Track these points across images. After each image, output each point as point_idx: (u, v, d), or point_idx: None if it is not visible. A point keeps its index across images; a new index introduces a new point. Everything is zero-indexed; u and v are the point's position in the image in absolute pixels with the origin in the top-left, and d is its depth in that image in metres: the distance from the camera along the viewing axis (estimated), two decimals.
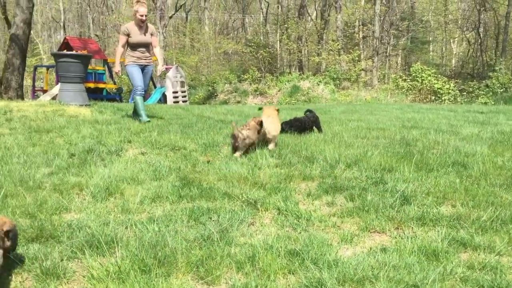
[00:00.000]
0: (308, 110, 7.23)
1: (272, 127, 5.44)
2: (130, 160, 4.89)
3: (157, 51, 7.70)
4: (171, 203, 3.59)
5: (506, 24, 28.24)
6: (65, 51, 15.47)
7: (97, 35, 40.07)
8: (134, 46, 7.43)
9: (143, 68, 7.56)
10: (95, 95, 19.27)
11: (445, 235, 2.91)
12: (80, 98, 8.84)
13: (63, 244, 2.75)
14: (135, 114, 7.73)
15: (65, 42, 20.49)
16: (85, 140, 5.80)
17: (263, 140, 5.46)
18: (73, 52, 12.09)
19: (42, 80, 23.44)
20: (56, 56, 9.18)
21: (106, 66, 21.52)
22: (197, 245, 2.76)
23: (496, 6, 31.85)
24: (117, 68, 7.57)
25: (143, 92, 7.55)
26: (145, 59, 7.57)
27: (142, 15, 7.34)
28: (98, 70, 20.65)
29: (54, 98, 13.57)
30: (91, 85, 19.31)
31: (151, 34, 7.58)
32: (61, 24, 40.96)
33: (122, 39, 7.43)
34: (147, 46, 7.55)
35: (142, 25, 7.43)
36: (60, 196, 3.66)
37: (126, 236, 2.91)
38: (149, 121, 7.43)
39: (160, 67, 7.81)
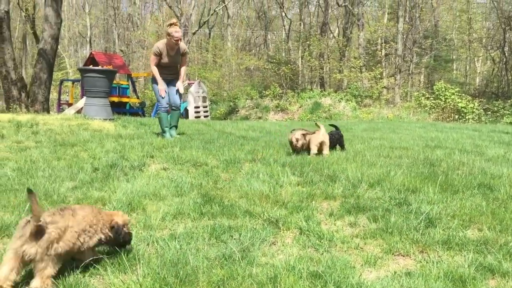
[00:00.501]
0: (333, 126, 7.18)
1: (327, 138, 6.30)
2: (153, 175, 4.93)
3: (183, 69, 7.69)
4: (192, 220, 3.59)
5: None
6: (91, 66, 15.81)
7: (122, 50, 40.84)
8: (163, 67, 7.44)
9: (168, 83, 7.59)
10: (118, 109, 19.56)
11: (472, 261, 2.83)
12: (104, 112, 8.98)
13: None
14: (164, 129, 7.71)
15: (90, 57, 20.92)
16: (109, 155, 5.87)
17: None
18: (99, 67, 12.32)
19: (67, 94, 23.92)
20: (82, 71, 9.38)
21: (130, 80, 21.86)
22: (218, 264, 2.75)
23: None
24: (162, 86, 7.43)
25: (167, 108, 7.59)
26: (171, 75, 7.58)
27: (177, 39, 7.26)
28: (122, 84, 20.98)
29: (78, 111, 13.82)
30: (115, 99, 19.61)
31: (182, 54, 7.55)
32: (87, 39, 41.92)
33: (155, 59, 7.39)
34: (176, 66, 7.57)
35: (175, 46, 7.39)
36: None
37: (148, 253, 2.91)
38: (173, 138, 7.45)
39: (179, 83, 7.68)
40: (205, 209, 3.79)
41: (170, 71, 7.55)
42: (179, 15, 32.48)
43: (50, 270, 2.38)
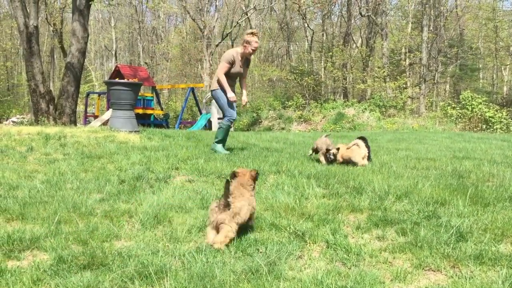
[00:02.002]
0: (361, 138, 7.14)
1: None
2: (178, 187, 4.95)
3: (245, 80, 7.56)
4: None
5: None
6: (117, 79, 16.09)
7: (146, 63, 41.52)
8: (231, 76, 7.26)
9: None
10: (143, 120, 19.87)
11: (506, 276, 2.74)
12: (130, 124, 9.11)
13: (114, 272, 2.78)
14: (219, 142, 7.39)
15: (116, 70, 21.34)
16: (135, 167, 5.93)
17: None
18: (125, 80, 12.53)
19: (93, 106, 24.39)
20: (108, 84, 9.54)
21: (154, 92, 22.16)
22: (245, 278, 2.73)
23: None
24: (230, 94, 7.13)
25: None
26: (232, 86, 7.35)
27: (255, 49, 7.19)
28: (146, 96, 21.30)
29: (104, 123, 14.06)
30: (140, 111, 19.92)
31: (247, 65, 7.45)
32: (113, 52, 42.78)
33: (226, 67, 7.13)
34: (241, 76, 7.44)
35: (248, 56, 7.32)
36: (110, 223, 3.73)
37: (175, 266, 2.91)
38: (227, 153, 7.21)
39: (244, 98, 7.57)
40: None
41: (234, 81, 7.38)
42: (202, 27, 32.88)
43: (232, 233, 3.29)
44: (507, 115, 20.50)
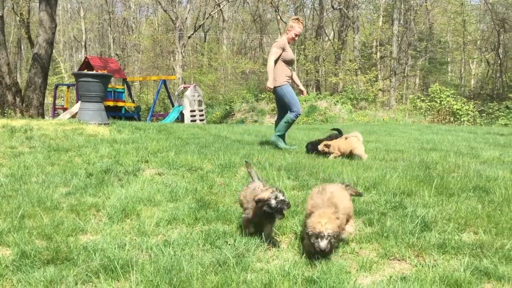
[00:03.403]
0: (336, 130, 7.21)
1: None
2: (147, 180, 4.90)
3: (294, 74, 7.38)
4: (187, 226, 3.57)
5: None
6: (85, 71, 15.77)
7: (117, 54, 40.81)
8: (288, 62, 7.06)
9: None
10: (114, 113, 19.56)
11: (467, 264, 2.82)
12: (99, 117, 8.94)
13: (79, 267, 2.73)
14: (278, 138, 7.18)
15: (86, 61, 20.90)
16: (103, 160, 5.84)
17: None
18: (94, 72, 12.30)
19: (62, 98, 23.88)
20: (77, 75, 9.34)
21: (125, 84, 21.84)
22: (212, 271, 2.72)
23: None
24: (271, 83, 6.90)
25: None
26: (289, 78, 7.14)
27: (298, 34, 7.11)
28: (117, 88, 20.97)
29: (73, 116, 13.77)
30: (110, 104, 19.60)
31: None
32: (83, 43, 41.85)
33: (277, 53, 6.92)
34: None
35: (292, 42, 7.21)
36: (77, 217, 3.67)
37: (142, 259, 2.88)
38: (290, 148, 7.09)
39: (302, 88, 7.50)
40: (199, 215, 3.77)
41: (291, 69, 7.16)
42: (174, 18, 32.50)
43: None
44: (474, 107, 21.01)
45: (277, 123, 7.40)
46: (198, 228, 3.52)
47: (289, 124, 7.12)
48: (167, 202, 4.14)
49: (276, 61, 6.94)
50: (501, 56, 31.88)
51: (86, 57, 22.20)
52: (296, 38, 7.20)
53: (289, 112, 7.02)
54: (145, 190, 4.46)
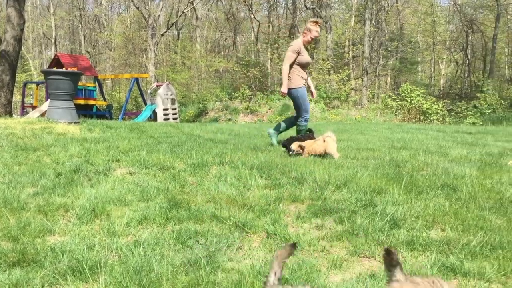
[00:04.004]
0: (308, 129, 7.26)
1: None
2: (118, 180, 4.83)
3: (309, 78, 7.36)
4: (158, 226, 3.53)
5: (493, 46, 28.75)
6: (54, 68, 15.45)
7: (88, 52, 40.12)
8: (304, 66, 7.03)
9: (306, 88, 7.26)
10: (85, 111, 19.23)
11: (434, 261, 2.88)
12: (69, 115, 8.78)
13: (46, 269, 2.67)
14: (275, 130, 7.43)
15: (55, 59, 20.47)
16: (73, 159, 5.73)
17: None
18: (63, 69, 12.06)
19: (31, 96, 23.33)
20: (45, 73, 9.15)
21: (96, 82, 21.49)
22: (183, 271, 2.71)
23: (483, 28, 32.45)
24: (285, 89, 6.96)
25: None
26: (305, 80, 7.15)
27: (316, 36, 7.07)
28: (88, 86, 20.63)
29: (43, 114, 13.48)
30: (81, 102, 19.28)
31: None
32: (52, 40, 40.97)
33: (292, 57, 6.92)
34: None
35: (307, 45, 7.16)
36: (44, 218, 3.59)
37: (111, 260, 2.84)
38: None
39: (313, 91, 7.49)
40: (171, 214, 3.74)
41: (307, 72, 7.19)
42: (146, 16, 32.14)
43: None
44: (443, 106, 21.48)
45: (290, 121, 7.46)
46: (169, 227, 3.49)
47: (302, 129, 7.23)
48: (138, 201, 4.09)
49: (292, 65, 6.95)
50: (469, 57, 32.69)
51: (56, 55, 21.72)
52: (312, 41, 7.19)
53: (299, 116, 7.17)
54: (116, 190, 4.39)
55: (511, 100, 27.18)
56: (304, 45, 7.04)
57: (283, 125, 7.44)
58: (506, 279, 2.70)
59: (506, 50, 35.26)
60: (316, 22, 7.09)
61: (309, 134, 7.04)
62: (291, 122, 7.43)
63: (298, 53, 6.93)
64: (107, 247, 3.04)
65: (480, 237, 3.22)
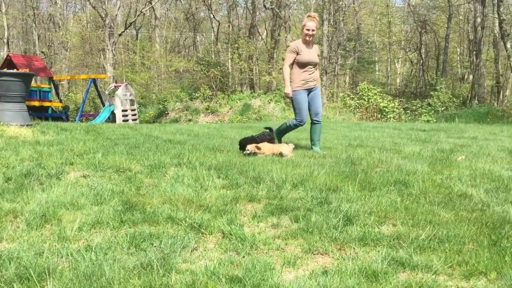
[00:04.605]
0: (268, 128, 7.25)
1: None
2: (71, 183, 4.71)
3: (317, 75, 6.97)
4: (111, 229, 3.47)
5: (446, 46, 29.74)
6: (5, 69, 14.91)
7: (43, 52, 38.91)
8: (303, 66, 6.69)
9: (310, 91, 6.84)
10: (40, 113, 18.68)
11: (385, 255, 2.95)
12: (21, 118, 8.48)
13: None
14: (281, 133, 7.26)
15: (7, 59, 19.76)
16: (24, 163, 5.54)
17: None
18: (14, 70, 11.66)
19: None
20: None
21: (52, 83, 20.90)
22: (135, 274, 2.67)
23: (436, 28, 33.53)
24: (288, 89, 6.73)
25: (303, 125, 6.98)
26: (312, 81, 6.80)
27: (308, 29, 6.61)
28: (43, 88, 20.03)
29: None
30: (36, 104, 18.72)
31: (317, 55, 6.92)
32: (5, 40, 39.47)
33: (290, 57, 6.68)
34: (315, 65, 6.82)
35: (309, 41, 6.73)
36: None
37: (61, 266, 2.77)
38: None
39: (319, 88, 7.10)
40: (125, 217, 3.68)
41: (311, 72, 6.75)
42: (103, 15, 31.47)
43: None
44: (399, 105, 22.07)
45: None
46: (123, 231, 3.44)
47: (288, 128, 7.09)
48: (92, 205, 4.00)
49: (291, 65, 6.75)
50: (423, 56, 33.70)
51: (8, 55, 20.98)
52: (311, 33, 6.66)
53: (295, 118, 6.95)
54: (68, 194, 4.29)
55: (463, 97, 28.23)
56: (304, 43, 6.73)
57: (280, 128, 7.25)
58: (452, 270, 2.81)
59: (458, 49, 36.58)
60: (309, 16, 6.78)
61: (269, 133, 7.04)
62: (286, 125, 7.22)
63: (297, 53, 6.67)
64: (57, 252, 2.96)
65: (428, 231, 3.33)
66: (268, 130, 7.23)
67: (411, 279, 2.68)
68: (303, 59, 6.67)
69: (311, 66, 6.76)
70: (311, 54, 6.72)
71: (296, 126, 6.99)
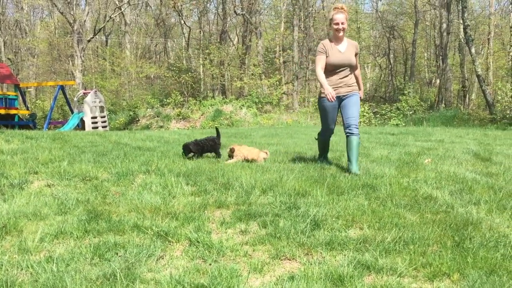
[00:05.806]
0: (216, 129, 7.06)
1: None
2: (34, 193, 4.58)
3: (358, 73, 5.96)
4: (75, 239, 3.38)
5: (413, 51, 30.37)
6: None
7: (9, 59, 37.98)
8: (331, 69, 5.67)
9: (343, 98, 5.74)
10: (6, 121, 18.23)
11: (351, 259, 2.97)
12: None
13: None
14: (322, 156, 6.43)
15: None
16: None
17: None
18: None
19: None
20: None
21: (18, 91, 20.41)
22: (98, 285, 2.61)
23: (403, 34, 34.22)
24: (327, 91, 5.47)
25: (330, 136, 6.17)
26: (346, 86, 5.72)
27: (338, 23, 5.59)
28: (9, 95, 19.55)
29: None
30: (2, 112, 18.27)
31: (355, 53, 5.81)
32: None
33: (319, 59, 5.65)
34: (350, 67, 5.72)
35: (340, 37, 5.69)
36: None
37: (20, 279, 2.68)
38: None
39: (361, 94, 6.00)
40: (90, 227, 3.59)
41: (342, 77, 5.69)
42: (72, 21, 30.95)
43: None
44: (369, 109, 22.39)
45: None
46: (87, 241, 3.36)
47: (319, 141, 6.35)
48: (55, 215, 3.90)
49: (323, 68, 5.69)
50: (391, 61, 34.34)
51: None
52: (341, 28, 5.62)
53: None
54: (31, 204, 4.17)
55: (431, 101, 28.87)
56: (334, 40, 5.74)
57: (320, 145, 6.44)
58: (416, 272, 2.84)
59: (425, 54, 37.43)
60: (336, 8, 5.72)
61: (213, 137, 6.86)
62: (316, 139, 6.48)
63: (323, 53, 5.69)
64: (17, 265, 2.87)
65: (394, 233, 3.37)
66: (215, 135, 6.95)
67: (377, 282, 2.69)
68: (330, 61, 5.65)
69: (344, 69, 5.70)
70: (342, 54, 5.67)
71: (323, 137, 6.23)
